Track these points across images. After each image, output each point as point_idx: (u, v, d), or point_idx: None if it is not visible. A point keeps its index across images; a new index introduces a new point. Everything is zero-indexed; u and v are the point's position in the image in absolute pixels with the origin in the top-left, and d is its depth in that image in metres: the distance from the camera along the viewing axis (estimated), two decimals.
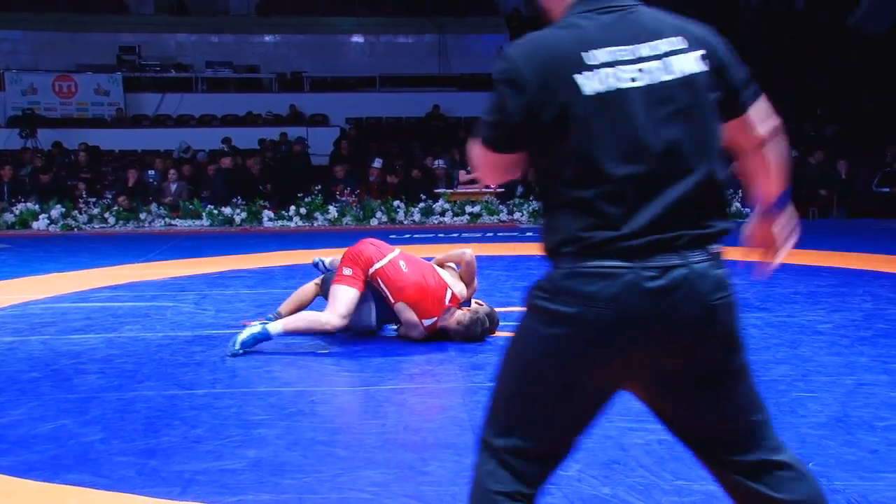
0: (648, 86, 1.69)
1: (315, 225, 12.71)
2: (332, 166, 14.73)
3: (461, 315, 4.76)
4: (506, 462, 1.73)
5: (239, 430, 3.30)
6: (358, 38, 20.95)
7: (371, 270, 4.66)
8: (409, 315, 4.70)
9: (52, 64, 19.41)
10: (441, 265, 5.01)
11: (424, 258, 5.07)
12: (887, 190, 13.33)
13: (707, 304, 1.69)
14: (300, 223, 12.72)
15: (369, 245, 4.78)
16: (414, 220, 12.93)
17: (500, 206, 13.12)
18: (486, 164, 1.81)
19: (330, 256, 5.46)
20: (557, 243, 1.69)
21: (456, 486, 2.70)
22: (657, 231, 1.65)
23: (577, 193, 1.67)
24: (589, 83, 1.67)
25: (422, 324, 4.71)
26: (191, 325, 5.37)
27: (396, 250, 4.84)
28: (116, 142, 17.29)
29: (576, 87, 1.66)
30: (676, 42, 1.74)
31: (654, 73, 1.70)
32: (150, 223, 12.68)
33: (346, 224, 12.76)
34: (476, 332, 4.72)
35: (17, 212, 12.78)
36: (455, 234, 11.31)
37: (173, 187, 13.62)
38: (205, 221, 12.68)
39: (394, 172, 14.42)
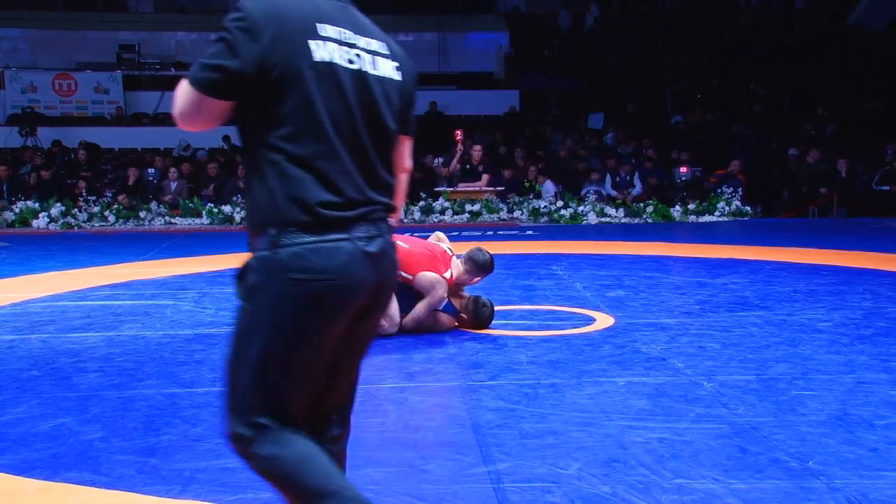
0: (360, 72, 1.88)
1: None
2: None
3: (465, 301, 5.06)
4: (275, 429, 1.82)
5: None
6: None
7: None
8: (429, 277, 4.85)
9: (51, 62, 19.42)
10: None
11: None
12: (887, 188, 13.33)
13: (394, 267, 1.97)
14: None
15: None
16: (414, 219, 12.93)
17: (500, 205, 13.12)
18: (192, 108, 1.81)
19: None
20: (277, 215, 1.80)
21: (456, 484, 2.70)
22: (364, 204, 1.87)
23: (297, 152, 1.79)
24: (319, 51, 1.81)
25: (444, 277, 4.92)
26: (191, 323, 5.37)
27: None
28: (116, 140, 17.30)
29: (308, 51, 1.80)
30: (383, 47, 1.98)
31: (366, 63, 1.90)
32: (149, 221, 12.68)
33: None
34: (485, 315, 5.03)
35: (17, 210, 12.78)
36: (455, 233, 11.30)
37: (173, 186, 13.62)
38: (205, 220, 12.68)
39: None
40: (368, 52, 1.92)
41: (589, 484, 2.69)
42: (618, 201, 13.26)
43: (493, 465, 2.86)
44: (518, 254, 8.75)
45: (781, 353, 4.40)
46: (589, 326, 5.13)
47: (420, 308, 4.88)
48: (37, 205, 12.79)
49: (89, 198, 12.99)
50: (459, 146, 13.47)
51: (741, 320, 5.22)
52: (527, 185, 13.67)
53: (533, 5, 21.86)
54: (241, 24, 1.76)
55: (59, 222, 12.51)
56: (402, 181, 2.09)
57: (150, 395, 3.77)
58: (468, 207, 12.99)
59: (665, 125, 17.04)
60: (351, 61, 1.87)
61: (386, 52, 1.97)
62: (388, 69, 1.95)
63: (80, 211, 12.74)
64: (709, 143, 15.70)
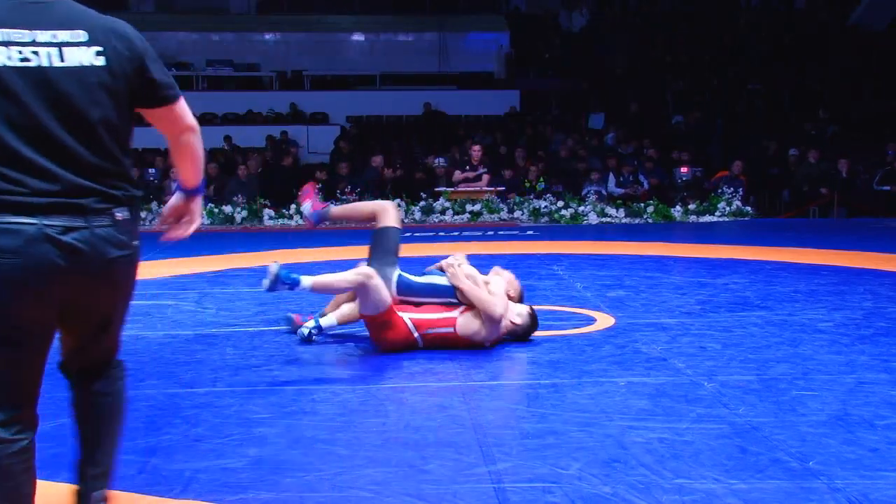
0: (39, 68, 1.98)
1: None
2: (334, 164, 14.72)
3: (514, 318, 4.64)
4: None
5: (240, 428, 3.30)
6: (358, 37, 20.94)
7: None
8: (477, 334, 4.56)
9: None
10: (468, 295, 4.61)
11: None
12: (888, 188, 13.32)
13: (105, 259, 2.05)
14: (301, 222, 12.71)
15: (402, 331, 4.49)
16: (415, 219, 12.92)
17: (501, 205, 13.12)
18: None
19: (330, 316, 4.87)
20: None
21: (457, 484, 2.70)
22: (59, 195, 1.98)
23: None
24: None
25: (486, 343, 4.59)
26: (192, 323, 5.37)
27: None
28: None
29: None
30: (78, 35, 2.04)
31: (51, 57, 2.00)
32: (150, 222, 12.68)
33: (347, 223, 12.75)
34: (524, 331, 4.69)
35: None
36: (456, 233, 11.31)
37: (174, 186, 13.60)
38: (205, 220, 12.69)
39: (394, 169, 14.39)
40: (54, 45, 2.00)
41: (589, 484, 2.69)
42: (618, 201, 13.23)
43: (493, 465, 2.86)
44: (518, 254, 8.75)
45: (782, 353, 4.40)
46: (589, 326, 5.13)
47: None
48: None
49: None
50: (474, 161, 13.42)
51: (742, 320, 5.22)
52: (527, 185, 13.67)
53: (533, 5, 21.85)
54: None
55: None
56: (186, 142, 2.28)
57: (151, 395, 3.77)
58: (468, 207, 12.99)
59: (665, 125, 17.04)
60: (26, 59, 1.97)
61: (81, 39, 2.04)
62: (82, 57, 2.03)
63: None
64: (699, 141, 15.72)
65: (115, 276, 2.11)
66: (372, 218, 4.96)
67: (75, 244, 2.00)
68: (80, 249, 2.00)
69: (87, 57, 2.03)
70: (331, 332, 4.90)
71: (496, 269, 4.95)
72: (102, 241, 2.04)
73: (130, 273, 2.18)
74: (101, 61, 2.05)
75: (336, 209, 5.23)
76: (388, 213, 4.92)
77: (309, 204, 5.12)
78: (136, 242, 2.16)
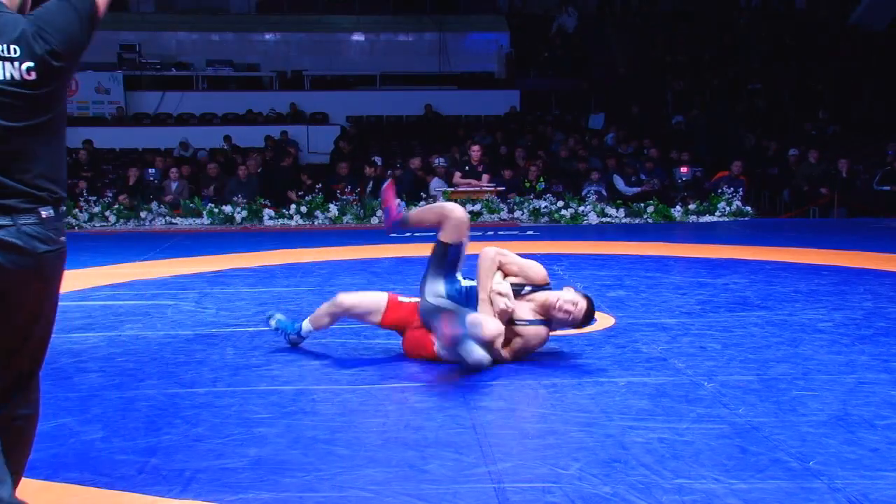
0: None
1: (316, 223, 12.71)
2: (334, 164, 14.72)
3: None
4: None
5: (240, 428, 3.30)
6: (358, 37, 20.94)
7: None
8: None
9: None
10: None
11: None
12: (888, 188, 13.31)
13: (35, 254, 2.16)
14: (301, 221, 12.71)
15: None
16: None
17: (501, 205, 13.12)
18: None
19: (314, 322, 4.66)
20: None
21: (457, 484, 2.70)
22: None
23: None
24: None
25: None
26: (192, 323, 5.37)
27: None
28: (117, 140, 17.28)
29: None
30: (12, 50, 2.12)
31: None
32: (150, 222, 12.68)
33: (347, 222, 12.76)
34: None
35: None
36: None
37: (174, 186, 13.62)
38: (205, 220, 12.69)
39: (393, 169, 14.40)
40: None
41: (589, 484, 2.69)
42: (618, 201, 13.22)
43: (493, 465, 2.86)
44: (518, 254, 8.73)
45: (782, 353, 4.40)
46: (589, 326, 5.12)
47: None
48: None
49: (90, 198, 12.98)
50: (474, 161, 13.45)
51: (742, 320, 5.22)
52: (527, 185, 13.67)
53: (533, 5, 21.86)
54: None
55: None
56: None
57: (151, 396, 3.77)
58: (469, 207, 12.99)
59: (665, 125, 17.03)
60: None
61: (14, 55, 2.13)
62: (14, 73, 2.13)
63: (80, 211, 12.73)
64: (698, 141, 15.73)
65: (44, 270, 2.21)
66: (438, 225, 4.57)
67: (5, 240, 2.11)
68: (10, 244, 2.11)
69: (18, 72, 2.13)
70: (329, 333, 4.89)
71: (568, 292, 4.41)
72: (29, 237, 2.15)
73: (58, 267, 2.29)
74: (32, 76, 2.15)
75: (413, 214, 4.73)
76: (448, 223, 4.54)
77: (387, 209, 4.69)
78: (62, 239, 2.27)
